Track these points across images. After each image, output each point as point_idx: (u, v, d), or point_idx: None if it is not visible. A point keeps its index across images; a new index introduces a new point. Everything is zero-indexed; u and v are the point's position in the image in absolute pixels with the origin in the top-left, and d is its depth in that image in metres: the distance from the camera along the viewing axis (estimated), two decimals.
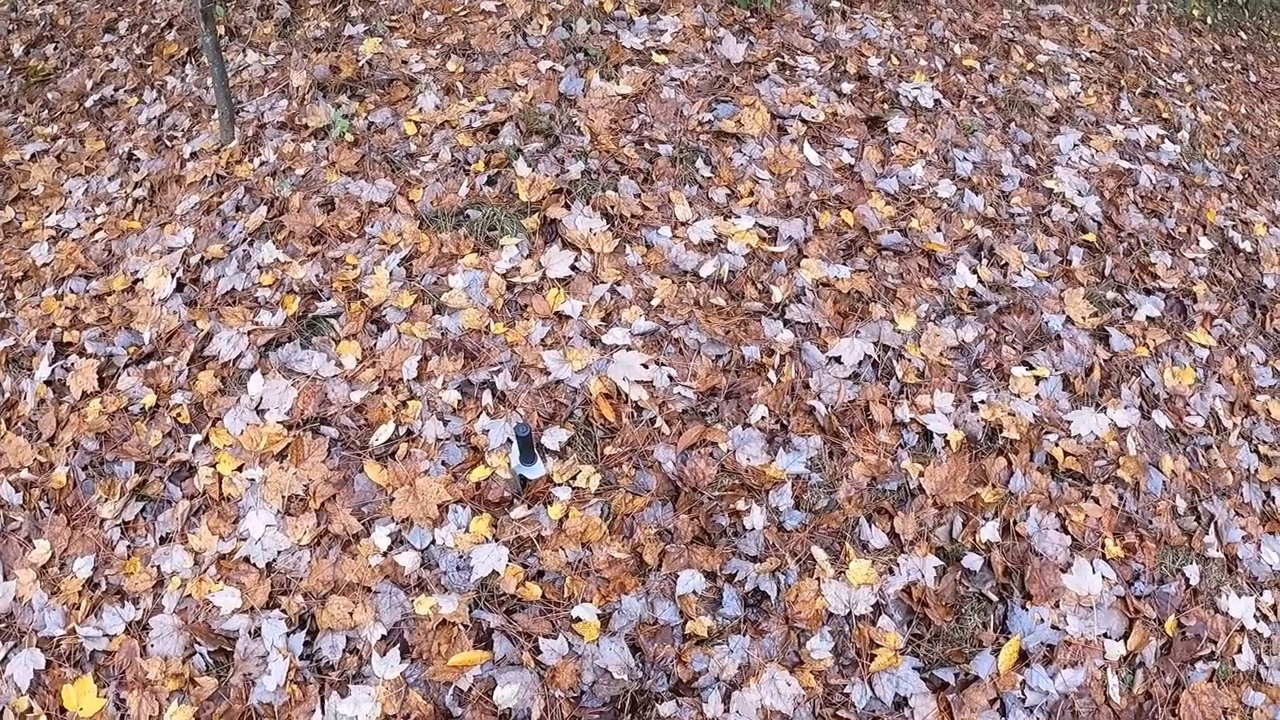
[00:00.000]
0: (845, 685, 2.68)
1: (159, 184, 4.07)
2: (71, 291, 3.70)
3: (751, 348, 3.29)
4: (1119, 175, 4.30)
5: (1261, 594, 3.14)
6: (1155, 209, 4.22)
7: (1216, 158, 4.74)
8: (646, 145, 3.91)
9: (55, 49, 5.26)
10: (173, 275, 3.58)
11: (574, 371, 3.17)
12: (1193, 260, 4.05)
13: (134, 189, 4.10)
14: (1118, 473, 3.21)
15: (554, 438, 3.02)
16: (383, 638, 2.69)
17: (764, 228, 3.67)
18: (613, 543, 2.85)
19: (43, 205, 4.21)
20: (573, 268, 3.45)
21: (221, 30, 4.77)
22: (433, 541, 2.85)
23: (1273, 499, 3.41)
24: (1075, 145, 4.38)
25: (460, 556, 2.82)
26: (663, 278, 3.46)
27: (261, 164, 3.94)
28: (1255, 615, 3.06)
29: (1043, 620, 2.84)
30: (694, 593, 2.78)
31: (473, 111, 4.00)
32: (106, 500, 3.07)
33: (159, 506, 3.05)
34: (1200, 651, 2.92)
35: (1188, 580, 3.06)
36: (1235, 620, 3.03)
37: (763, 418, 3.13)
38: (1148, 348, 3.62)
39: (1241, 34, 6.16)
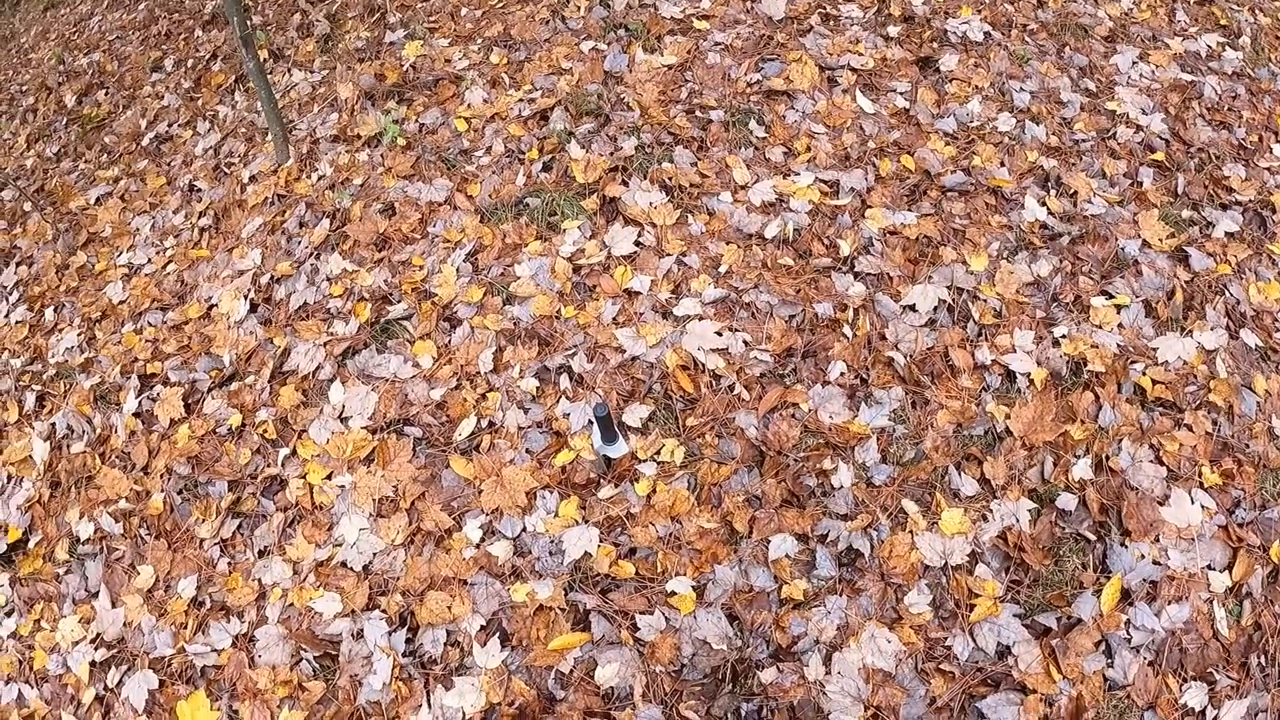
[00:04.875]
0: (946, 638, 2.65)
1: (222, 211, 4.15)
2: (150, 324, 3.79)
3: (824, 304, 3.25)
4: (1182, 89, 4.16)
5: None
6: (1223, 120, 4.08)
7: None
8: (697, 113, 3.88)
9: (106, 94, 5.39)
10: (245, 297, 3.65)
11: (648, 346, 3.16)
12: (1267, 169, 3.91)
13: (199, 219, 4.19)
14: (1209, 397, 3.12)
15: (635, 414, 3.03)
16: (482, 628, 2.73)
17: (824, 182, 3.62)
18: (702, 514, 2.85)
19: (113, 245, 4.32)
20: (637, 243, 3.45)
21: (265, 54, 4.84)
22: (524, 529, 2.88)
23: None
24: (1134, 63, 4.25)
25: (552, 541, 2.83)
26: (728, 243, 3.44)
27: (319, 178, 4.00)
28: None
29: (1143, 556, 2.77)
30: (787, 556, 2.76)
31: (521, 101, 4.00)
32: (203, 521, 3.15)
33: (255, 521, 3.12)
34: None
35: None
36: None
37: (841, 374, 3.10)
38: (1229, 264, 3.50)
39: None
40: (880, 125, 3.85)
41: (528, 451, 3.03)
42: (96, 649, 3.01)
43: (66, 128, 5.27)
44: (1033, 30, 4.36)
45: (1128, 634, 2.64)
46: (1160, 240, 3.53)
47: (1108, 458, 2.94)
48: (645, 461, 2.95)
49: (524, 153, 3.81)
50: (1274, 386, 3.20)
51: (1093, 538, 2.81)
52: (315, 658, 2.80)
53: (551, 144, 3.80)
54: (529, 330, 3.29)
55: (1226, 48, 4.44)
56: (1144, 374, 3.14)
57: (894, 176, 3.68)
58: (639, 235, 3.47)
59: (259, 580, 2.99)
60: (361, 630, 2.79)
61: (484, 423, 3.12)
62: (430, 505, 2.97)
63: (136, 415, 3.48)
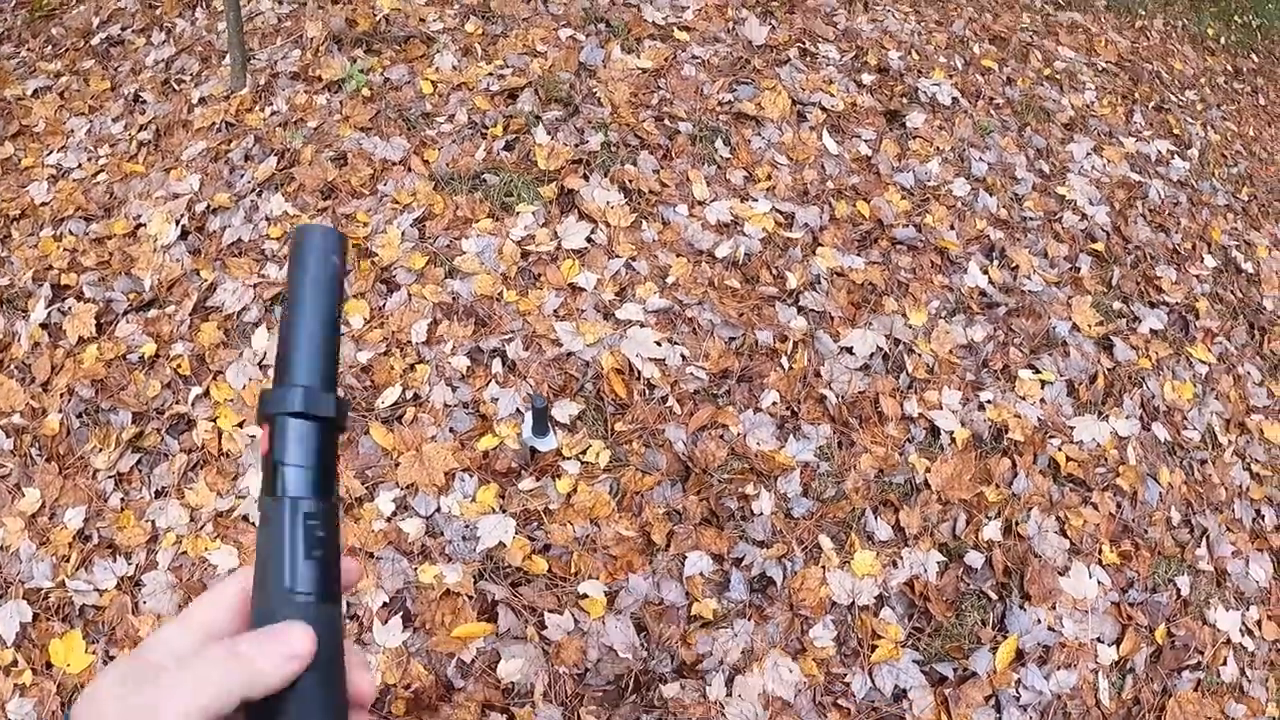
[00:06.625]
0: (846, 675, 2.67)
1: (165, 128, 3.99)
2: (70, 233, 3.61)
3: (765, 332, 3.26)
4: (1129, 187, 4.30)
5: (1248, 609, 3.16)
6: (1163, 223, 4.23)
7: (1224, 177, 4.76)
8: (666, 121, 3.87)
9: None
10: (177, 222, 3.51)
11: (586, 344, 3.13)
12: (1196, 277, 4.06)
13: (139, 131, 4.02)
14: (1117, 481, 3.22)
15: (564, 410, 2.99)
16: (384, 605, 2.65)
17: (780, 213, 3.64)
18: (621, 520, 2.82)
19: (43, 143, 4.12)
20: (588, 239, 3.41)
21: None
22: (438, 509, 2.81)
23: (1262, 517, 3.43)
24: (1088, 154, 4.38)
25: (466, 526, 2.78)
26: (678, 256, 3.43)
27: (273, 114, 3.87)
28: (1241, 629, 3.08)
29: (1040, 621, 2.85)
30: (701, 575, 2.76)
31: (490, 75, 3.94)
32: (100, 450, 3.01)
33: (155, 459, 3.00)
34: (1188, 661, 2.94)
35: (1179, 590, 3.08)
36: (1222, 633, 3.05)
37: (774, 403, 3.12)
38: (1150, 360, 3.62)
39: (1254, 56, 6.20)
40: (842, 167, 3.90)
41: (451, 430, 2.97)
42: None
43: (14, 10, 5.01)
44: (999, 105, 4.46)
45: (1017, 692, 2.70)
46: (1090, 326, 3.63)
47: (1017, 523, 3.01)
48: (570, 459, 2.92)
49: (488, 128, 3.75)
50: (1177, 480, 3.31)
51: (994, 597, 2.87)
52: None
53: (517, 124, 3.74)
54: (468, 308, 3.23)
55: (1176, 156, 4.61)
56: (1059, 449, 3.22)
57: (848, 220, 3.72)
58: (592, 232, 3.44)
59: (152, 521, 2.86)
60: None
61: (409, 394, 3.05)
62: (343, 471, 2.89)
63: (44, 326, 3.31)
